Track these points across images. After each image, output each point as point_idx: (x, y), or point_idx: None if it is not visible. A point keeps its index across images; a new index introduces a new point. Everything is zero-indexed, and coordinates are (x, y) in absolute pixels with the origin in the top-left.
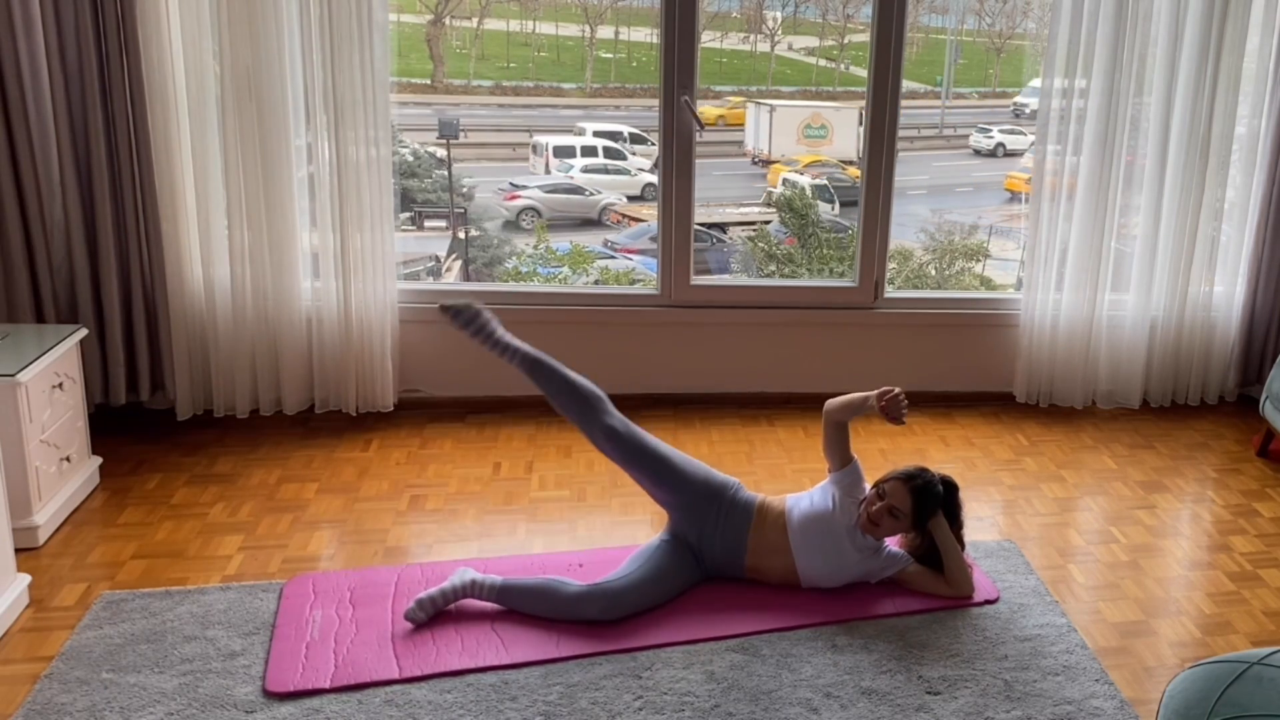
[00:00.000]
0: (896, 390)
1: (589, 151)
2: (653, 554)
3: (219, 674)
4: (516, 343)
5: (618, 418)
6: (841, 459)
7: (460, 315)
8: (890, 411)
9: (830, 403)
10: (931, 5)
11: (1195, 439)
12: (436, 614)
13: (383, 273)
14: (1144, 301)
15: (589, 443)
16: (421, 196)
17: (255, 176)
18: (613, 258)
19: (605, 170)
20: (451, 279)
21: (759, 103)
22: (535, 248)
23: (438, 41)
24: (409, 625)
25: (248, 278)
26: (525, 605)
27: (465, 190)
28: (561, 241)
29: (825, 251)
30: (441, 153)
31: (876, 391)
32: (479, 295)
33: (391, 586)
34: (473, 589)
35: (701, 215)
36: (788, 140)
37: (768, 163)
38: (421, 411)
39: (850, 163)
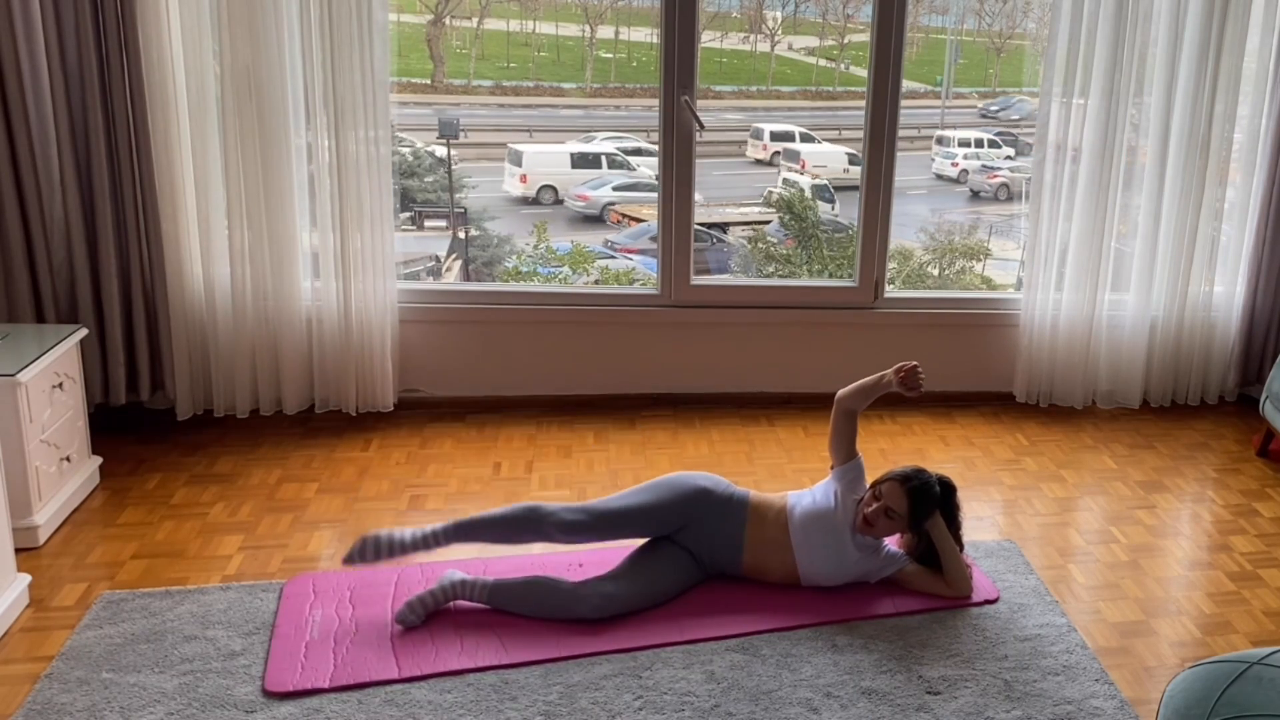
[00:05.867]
0: (913, 363)
1: None
2: (647, 555)
3: (219, 674)
4: (429, 529)
5: (561, 512)
6: (847, 452)
7: (364, 555)
8: (909, 383)
9: (842, 391)
10: (931, 5)
11: (1195, 439)
12: (432, 614)
13: (383, 273)
14: (1144, 301)
15: (558, 521)
16: (421, 196)
17: (255, 176)
18: (613, 257)
19: None
20: (451, 279)
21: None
22: (535, 248)
23: (438, 41)
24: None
25: (248, 278)
26: (517, 605)
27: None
28: (562, 241)
29: (825, 252)
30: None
31: (892, 369)
32: (479, 295)
33: (391, 586)
34: (463, 589)
35: (701, 215)
36: None
37: None
38: (421, 411)
39: None
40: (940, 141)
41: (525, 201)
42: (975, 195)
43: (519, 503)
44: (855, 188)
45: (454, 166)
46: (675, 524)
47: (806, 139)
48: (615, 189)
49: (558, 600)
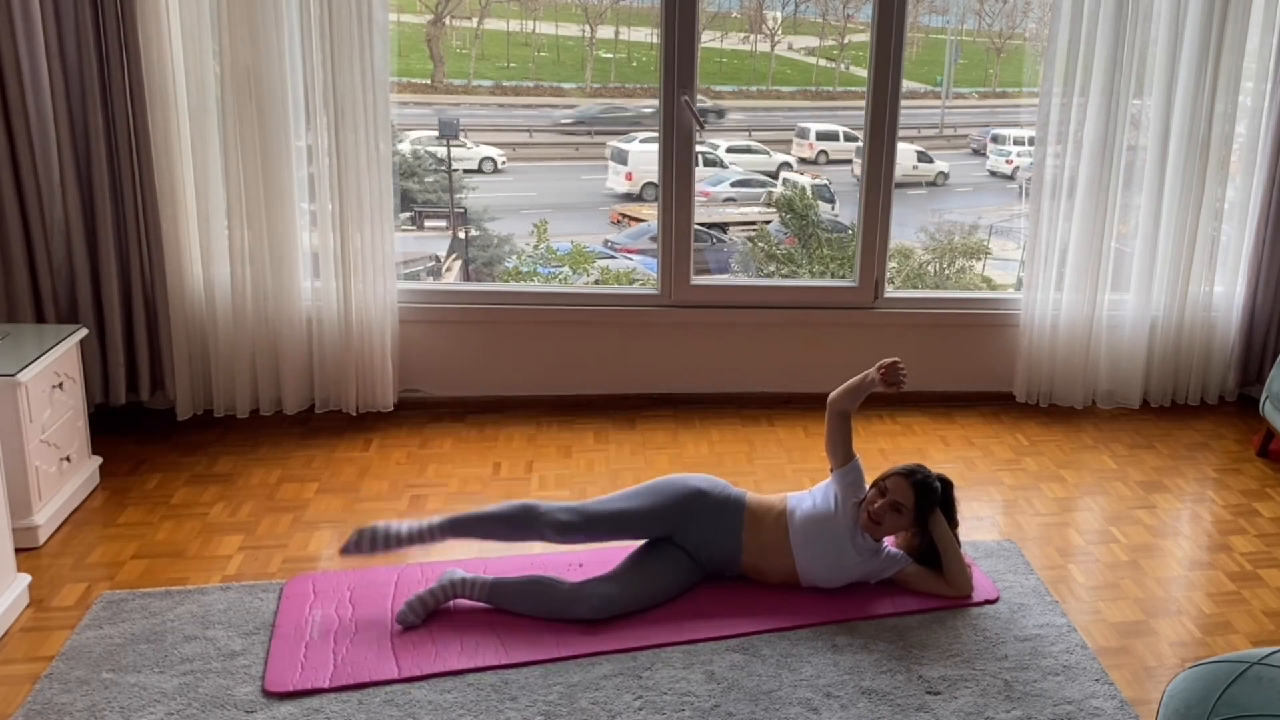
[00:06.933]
0: (894, 359)
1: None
2: (647, 555)
3: (219, 674)
4: (425, 522)
5: (555, 512)
6: (844, 455)
7: (360, 546)
8: (890, 378)
9: (833, 394)
10: (931, 5)
11: (1195, 439)
12: (432, 614)
13: (383, 273)
14: (1144, 301)
15: (552, 521)
16: (422, 197)
17: (255, 176)
18: (613, 257)
19: None
20: (451, 279)
21: None
22: (535, 248)
23: (438, 41)
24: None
25: (248, 278)
26: (516, 604)
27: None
28: (562, 241)
29: (825, 252)
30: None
31: (874, 366)
32: (479, 295)
33: (391, 586)
34: (463, 587)
35: (701, 215)
36: None
37: None
38: (421, 411)
39: None
40: (995, 139)
41: (630, 198)
42: (1023, 191)
43: (515, 501)
44: (918, 184)
45: (500, 167)
46: (670, 527)
47: (850, 138)
48: (733, 185)
49: (556, 600)
